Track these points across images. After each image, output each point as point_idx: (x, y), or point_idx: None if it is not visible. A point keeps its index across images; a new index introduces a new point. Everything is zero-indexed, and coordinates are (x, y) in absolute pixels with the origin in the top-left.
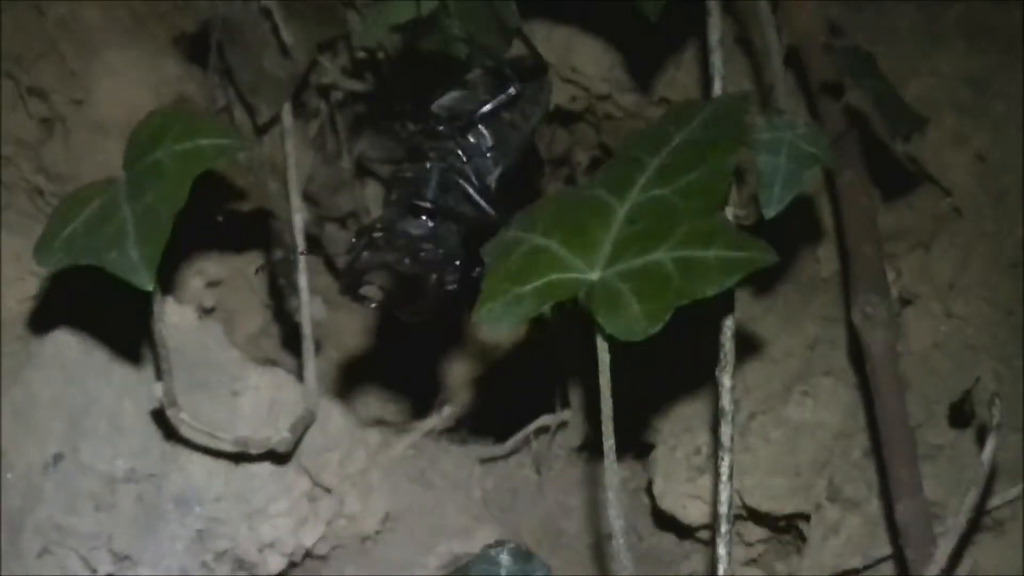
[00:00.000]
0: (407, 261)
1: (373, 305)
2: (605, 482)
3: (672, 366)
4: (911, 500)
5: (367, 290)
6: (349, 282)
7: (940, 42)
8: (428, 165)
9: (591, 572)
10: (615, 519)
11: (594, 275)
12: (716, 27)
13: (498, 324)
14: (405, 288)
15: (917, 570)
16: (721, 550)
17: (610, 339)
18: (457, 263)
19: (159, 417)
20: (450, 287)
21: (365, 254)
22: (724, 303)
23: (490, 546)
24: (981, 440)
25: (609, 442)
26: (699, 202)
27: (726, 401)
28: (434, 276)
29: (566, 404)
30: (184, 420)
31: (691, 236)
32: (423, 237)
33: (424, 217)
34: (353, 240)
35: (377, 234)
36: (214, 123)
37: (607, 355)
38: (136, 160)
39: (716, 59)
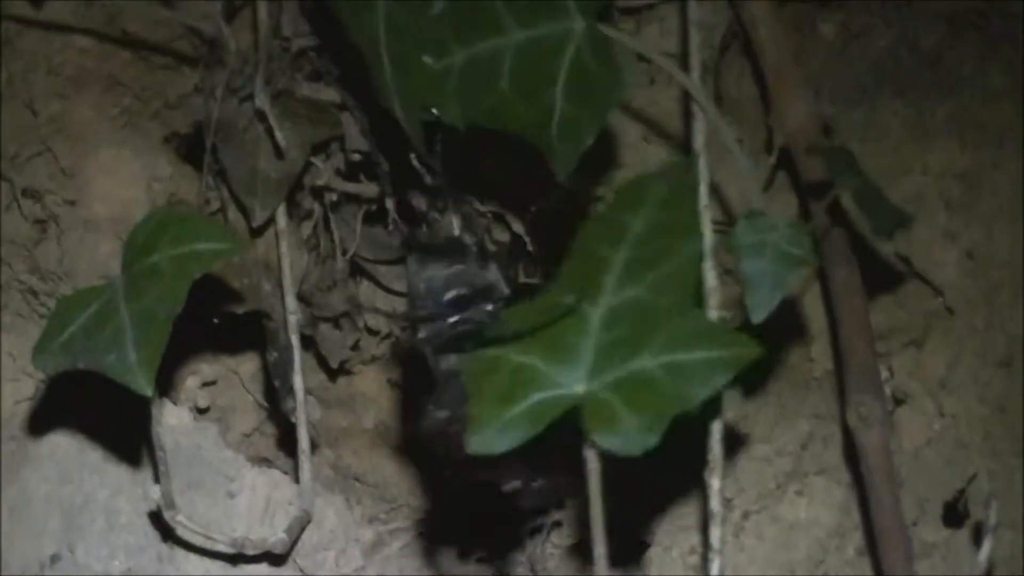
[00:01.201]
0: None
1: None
2: None
3: (666, 465)
4: None
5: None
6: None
7: (931, 139)
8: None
9: None
10: None
11: (580, 388)
12: (701, 131)
13: (493, 451)
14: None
15: None
16: None
17: (608, 453)
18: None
19: (156, 518)
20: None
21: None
22: (712, 404)
23: None
24: (976, 538)
25: (599, 550)
26: (674, 296)
27: (715, 503)
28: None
29: (561, 504)
30: (181, 522)
31: (673, 338)
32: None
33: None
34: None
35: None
36: (211, 225)
37: (596, 465)
38: (133, 262)
39: (702, 164)
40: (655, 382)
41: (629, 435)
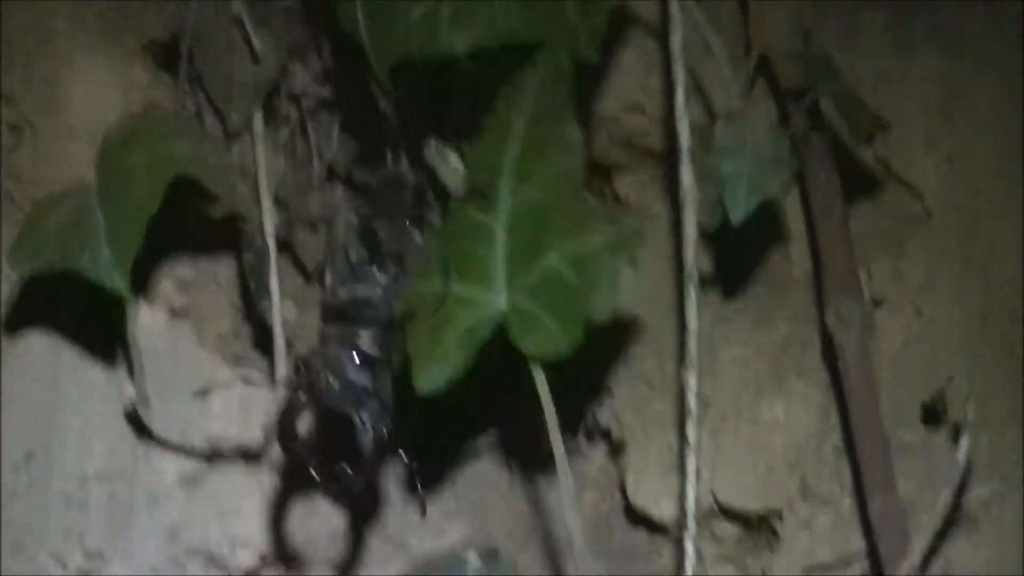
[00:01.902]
0: (351, 409)
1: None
2: (562, 490)
3: (643, 365)
4: (885, 497)
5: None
6: (286, 427)
7: (910, 46)
8: (368, 309)
9: (561, 570)
10: (573, 522)
11: (501, 302)
12: (678, 34)
13: (441, 385)
14: (338, 445)
15: (891, 567)
16: (688, 548)
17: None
18: (389, 416)
19: (131, 417)
20: (384, 441)
21: (303, 397)
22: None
23: (459, 547)
24: (954, 439)
25: (560, 451)
26: (562, 189)
27: (691, 401)
28: (372, 431)
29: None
30: (155, 420)
31: (569, 232)
32: (367, 388)
33: (365, 363)
34: (291, 375)
35: (321, 372)
36: (186, 129)
37: (542, 374)
38: (108, 166)
39: (679, 67)
40: (564, 280)
41: (551, 341)
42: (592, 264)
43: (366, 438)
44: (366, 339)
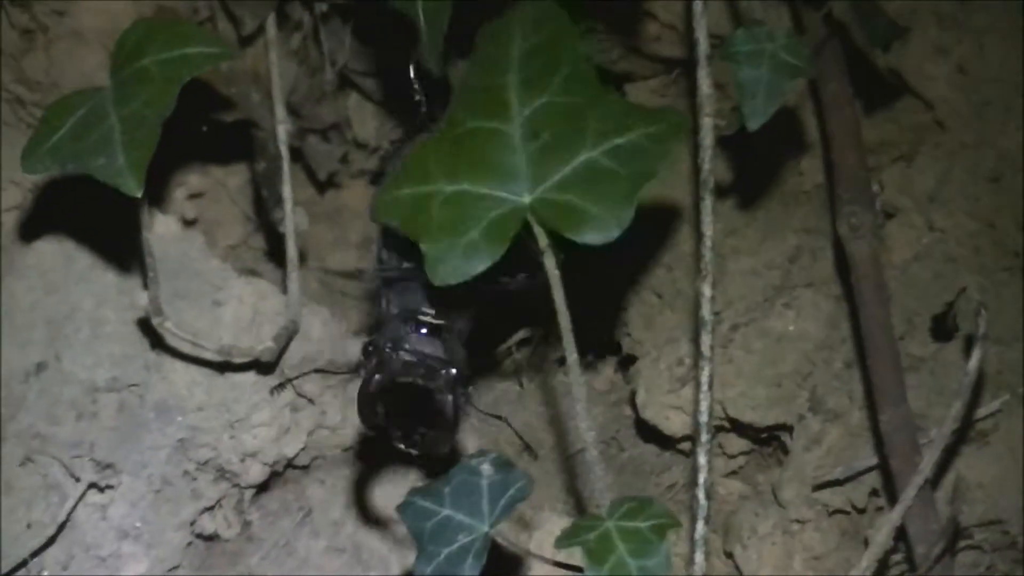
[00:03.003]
0: (422, 379)
1: (400, 444)
2: (574, 395)
3: (654, 278)
4: (895, 410)
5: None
6: (367, 409)
7: None
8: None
9: (571, 483)
10: (586, 432)
11: (526, 198)
12: None
13: (461, 279)
14: (418, 413)
15: (902, 480)
16: (701, 459)
17: (580, 247)
18: (463, 374)
19: (143, 326)
20: (463, 401)
21: (377, 376)
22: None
23: (472, 456)
24: (965, 352)
25: (572, 356)
26: (585, 92)
27: (706, 311)
28: (450, 395)
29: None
30: (169, 329)
31: (604, 126)
32: (435, 355)
33: (429, 331)
34: (361, 358)
35: (388, 350)
36: (200, 31)
37: (556, 272)
38: (122, 68)
39: None
40: (604, 170)
41: (598, 223)
42: (634, 152)
43: (445, 404)
44: (424, 306)
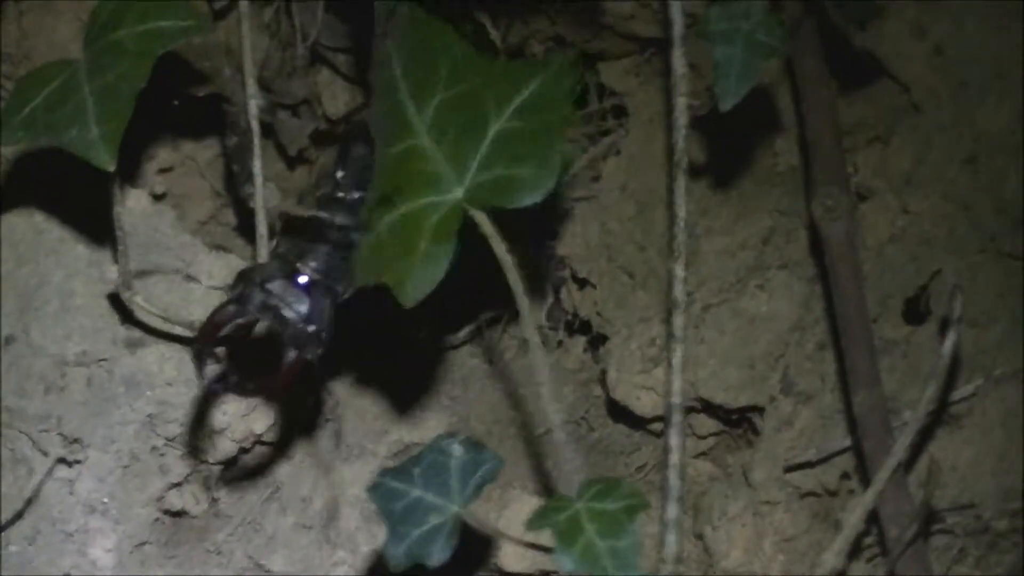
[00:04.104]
0: (276, 326)
1: (217, 376)
2: (537, 378)
3: (625, 257)
4: (869, 392)
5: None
6: (208, 331)
7: None
8: (325, 235)
9: (540, 463)
10: (553, 414)
11: (459, 193)
12: None
13: (428, 290)
14: (261, 356)
15: (874, 462)
16: (673, 440)
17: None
18: (322, 337)
19: (113, 300)
20: (309, 359)
21: (233, 307)
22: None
23: (442, 436)
24: (938, 334)
25: (534, 340)
26: (475, 75)
27: (679, 291)
28: (295, 349)
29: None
30: (139, 303)
31: (500, 95)
32: (297, 307)
33: (305, 284)
34: (230, 284)
35: (253, 288)
36: (174, 4)
37: (508, 256)
38: (96, 40)
39: None
40: (516, 132)
41: (530, 183)
42: (538, 105)
43: (286, 358)
44: (315, 262)
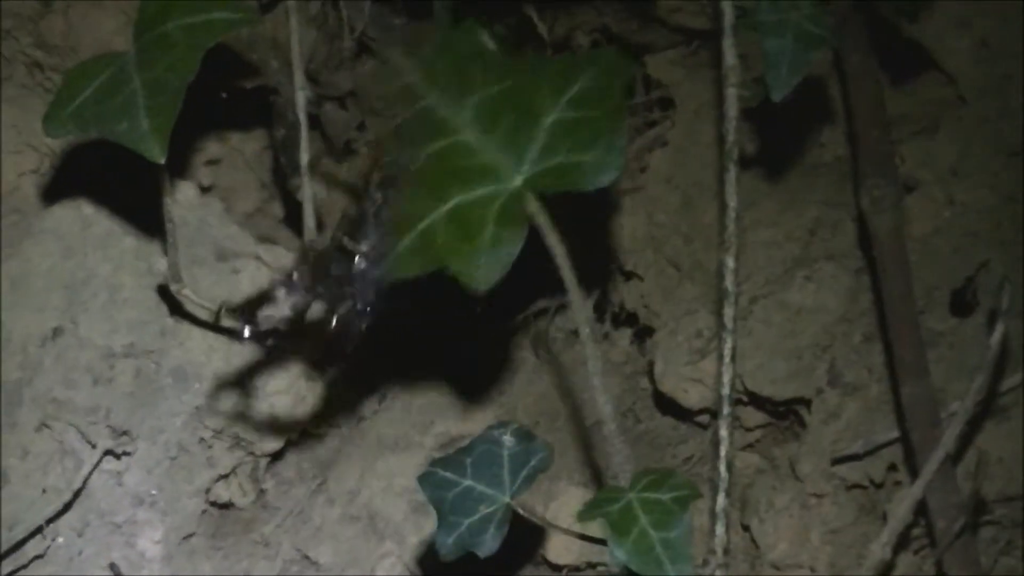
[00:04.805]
0: (324, 296)
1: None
2: (590, 370)
3: (671, 248)
4: (917, 383)
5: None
6: (256, 300)
7: None
8: (371, 206)
9: (587, 454)
10: (604, 405)
11: (518, 181)
12: None
13: (502, 272)
14: (310, 321)
15: (923, 454)
16: (723, 432)
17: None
18: (367, 311)
19: (162, 292)
20: (353, 332)
21: (283, 282)
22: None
23: (492, 427)
24: (985, 326)
25: (586, 331)
26: (512, 75)
27: (729, 282)
28: (337, 319)
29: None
30: (188, 296)
31: (553, 88)
32: (344, 279)
33: (352, 260)
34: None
35: (302, 267)
36: None
37: (562, 247)
38: (145, 32)
39: None
40: (576, 120)
41: (596, 167)
42: (594, 94)
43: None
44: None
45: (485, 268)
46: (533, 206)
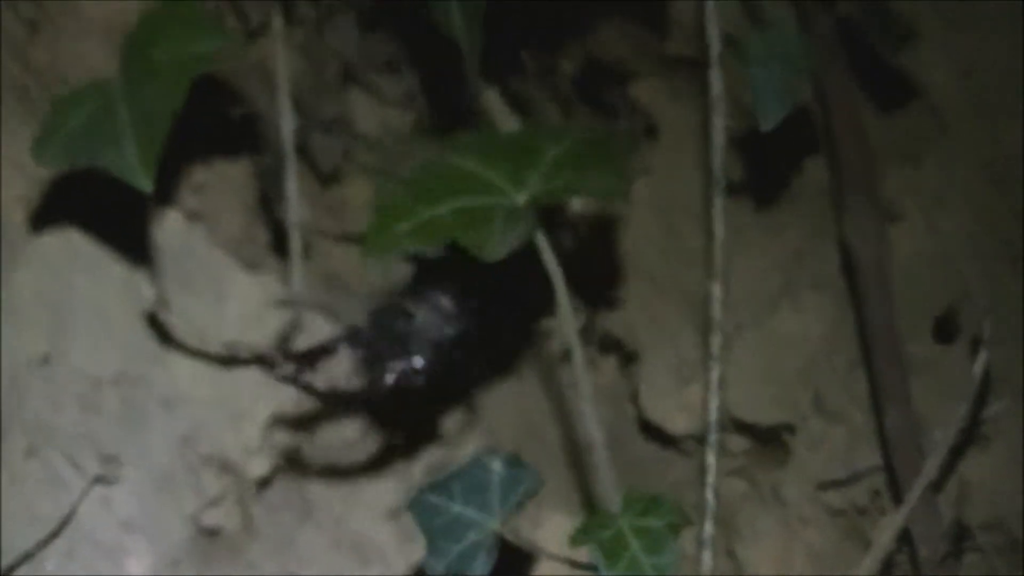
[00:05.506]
0: (376, 354)
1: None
2: (580, 394)
3: (658, 275)
4: (899, 410)
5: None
6: (296, 362)
7: None
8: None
9: (574, 480)
10: (594, 430)
11: (520, 200)
12: None
13: (512, 246)
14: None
15: (905, 481)
16: (710, 459)
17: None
18: (422, 369)
19: (150, 319)
20: (407, 388)
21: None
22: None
23: (481, 452)
24: (968, 353)
25: (578, 355)
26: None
27: (716, 311)
28: (392, 376)
29: (550, 312)
30: (175, 323)
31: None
32: (398, 337)
33: (405, 318)
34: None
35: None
36: (212, 25)
37: (559, 270)
38: (132, 61)
39: None
40: (576, 155)
41: (604, 184)
42: (595, 140)
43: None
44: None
45: (494, 243)
46: (533, 224)
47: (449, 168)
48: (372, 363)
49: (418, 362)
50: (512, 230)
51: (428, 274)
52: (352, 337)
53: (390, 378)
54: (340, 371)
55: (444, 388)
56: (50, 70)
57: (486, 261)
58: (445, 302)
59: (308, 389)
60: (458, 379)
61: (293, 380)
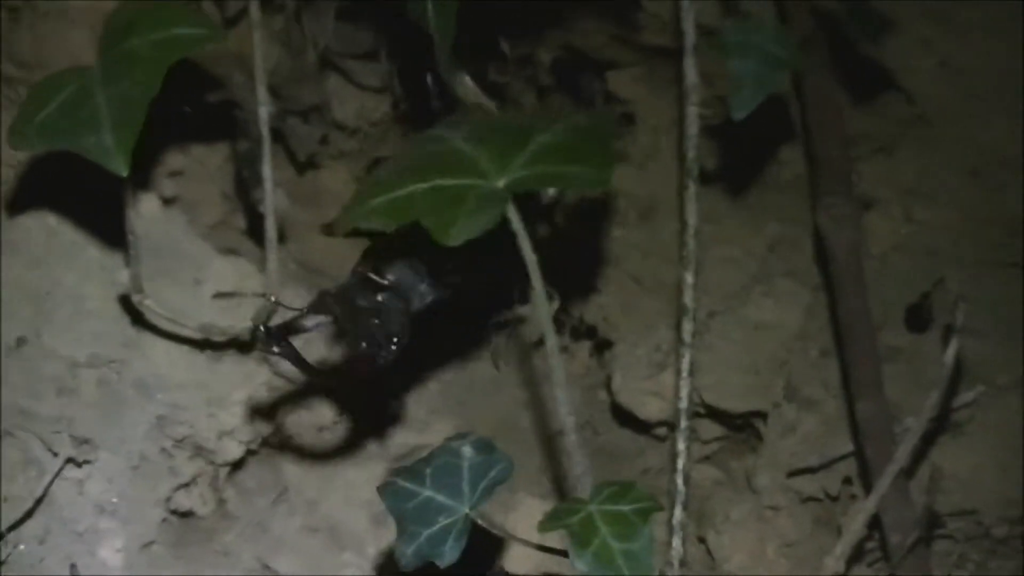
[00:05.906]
0: (348, 327)
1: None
2: (554, 381)
3: (631, 263)
4: (872, 399)
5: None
6: (275, 335)
7: None
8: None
9: (547, 466)
10: (566, 416)
11: (500, 183)
12: None
13: (474, 233)
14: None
15: (877, 469)
16: (680, 445)
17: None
18: (395, 342)
19: (124, 303)
20: (380, 362)
21: (310, 312)
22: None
23: (452, 438)
24: (941, 342)
25: (551, 342)
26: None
27: (688, 298)
28: (365, 347)
29: (524, 300)
30: (150, 307)
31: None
32: (370, 310)
33: (377, 292)
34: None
35: (331, 299)
36: (189, 12)
37: (534, 256)
38: (110, 47)
39: None
40: (561, 143)
41: (585, 175)
42: (582, 126)
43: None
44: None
45: (459, 228)
46: (510, 210)
47: (440, 144)
48: (346, 337)
49: (392, 333)
50: (482, 214)
51: (402, 251)
52: (324, 309)
53: (364, 350)
54: (315, 349)
55: (416, 370)
56: (31, 57)
57: (446, 245)
58: (419, 278)
59: (289, 358)
60: (429, 357)
61: (276, 350)
